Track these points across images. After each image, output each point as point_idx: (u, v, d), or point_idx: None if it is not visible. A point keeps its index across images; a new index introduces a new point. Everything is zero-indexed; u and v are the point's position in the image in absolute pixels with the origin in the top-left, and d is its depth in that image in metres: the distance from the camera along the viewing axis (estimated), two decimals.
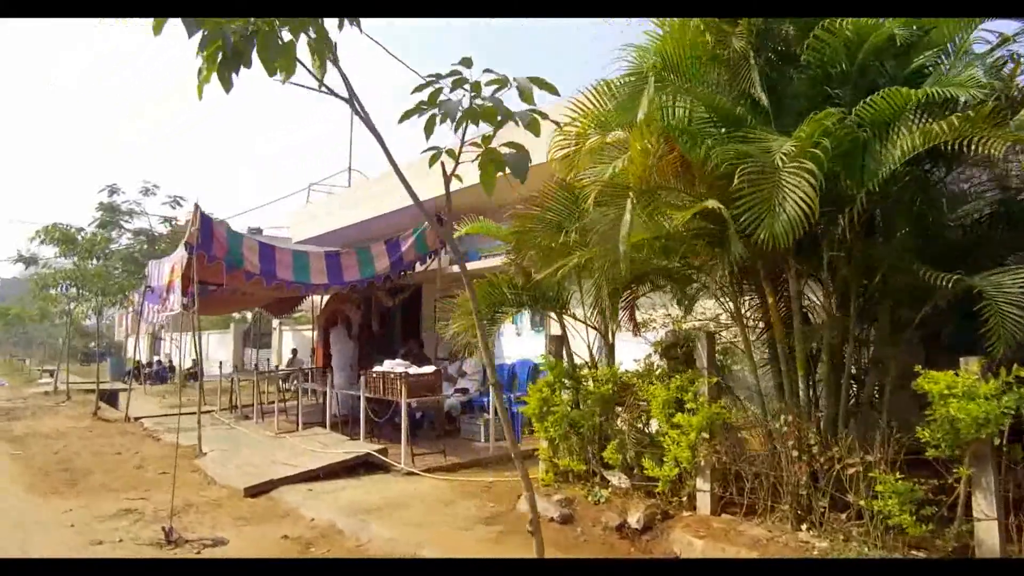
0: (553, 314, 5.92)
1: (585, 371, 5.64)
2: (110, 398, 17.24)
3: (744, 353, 4.79)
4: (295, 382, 11.47)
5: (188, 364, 18.51)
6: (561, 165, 5.07)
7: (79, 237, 12.20)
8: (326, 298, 15.24)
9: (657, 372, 5.09)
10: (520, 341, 9.45)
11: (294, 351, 17.80)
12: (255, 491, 6.30)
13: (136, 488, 6.67)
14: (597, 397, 5.25)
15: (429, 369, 7.46)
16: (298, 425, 9.34)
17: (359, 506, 5.72)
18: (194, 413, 12.07)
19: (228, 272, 8.22)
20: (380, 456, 7.04)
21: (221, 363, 18.90)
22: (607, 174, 4.24)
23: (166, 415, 11.81)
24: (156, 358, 26.25)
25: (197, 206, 8.09)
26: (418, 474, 6.71)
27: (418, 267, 9.74)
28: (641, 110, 3.85)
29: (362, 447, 7.37)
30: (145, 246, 15.93)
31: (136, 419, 11.44)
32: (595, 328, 5.84)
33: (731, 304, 4.90)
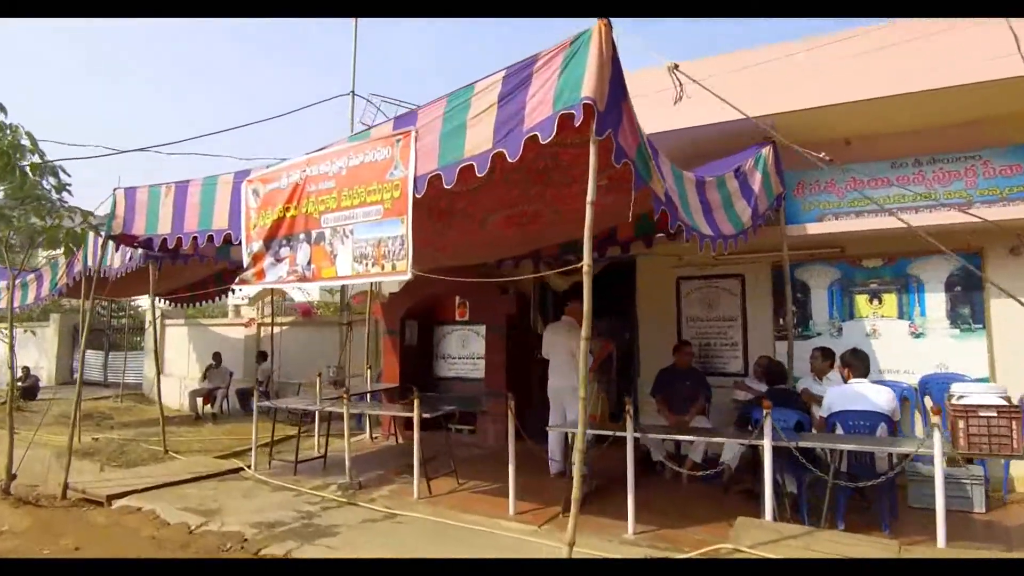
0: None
1: None
2: None
3: None
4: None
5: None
6: None
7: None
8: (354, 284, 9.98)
9: None
10: (918, 345, 6.22)
11: (217, 356, 11.84)
12: None
13: None
14: None
15: None
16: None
17: None
18: (204, 476, 6.52)
19: (637, 188, 3.67)
20: None
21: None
22: None
23: (154, 487, 6.15)
24: None
25: (608, 26, 3.45)
26: None
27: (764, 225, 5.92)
28: None
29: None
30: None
31: (111, 498, 5.71)
32: None
33: None
